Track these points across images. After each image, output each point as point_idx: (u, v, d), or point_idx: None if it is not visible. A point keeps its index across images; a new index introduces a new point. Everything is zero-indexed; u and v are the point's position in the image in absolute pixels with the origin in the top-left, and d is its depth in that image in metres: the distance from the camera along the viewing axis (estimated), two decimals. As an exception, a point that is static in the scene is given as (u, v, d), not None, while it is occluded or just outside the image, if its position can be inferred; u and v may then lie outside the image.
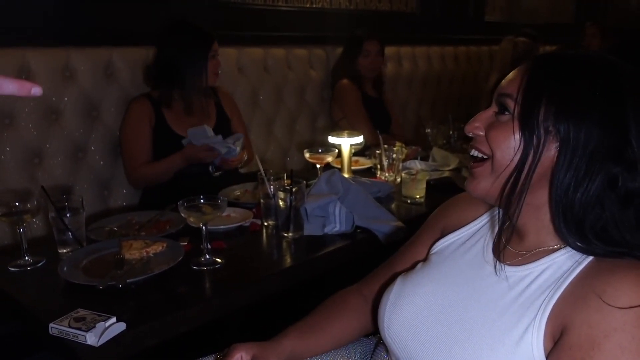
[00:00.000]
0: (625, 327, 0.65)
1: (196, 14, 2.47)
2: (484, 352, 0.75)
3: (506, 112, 0.78)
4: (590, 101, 0.72)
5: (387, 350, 0.97)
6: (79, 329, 1.02)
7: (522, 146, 0.75)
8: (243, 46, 2.68)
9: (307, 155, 2.06)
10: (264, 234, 1.59)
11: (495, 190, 0.79)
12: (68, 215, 1.37)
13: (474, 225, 0.94)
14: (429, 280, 0.90)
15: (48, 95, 2.03)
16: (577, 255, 0.75)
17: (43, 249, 1.41)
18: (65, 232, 1.37)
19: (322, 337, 1.01)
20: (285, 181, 1.58)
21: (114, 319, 1.05)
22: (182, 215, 1.34)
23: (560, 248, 0.77)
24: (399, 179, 2.02)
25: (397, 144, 2.19)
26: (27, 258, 1.34)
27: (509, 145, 0.76)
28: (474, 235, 0.92)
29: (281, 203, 1.51)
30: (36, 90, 0.50)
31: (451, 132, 2.74)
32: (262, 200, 1.61)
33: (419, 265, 0.97)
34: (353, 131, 2.19)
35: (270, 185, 1.57)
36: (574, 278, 0.73)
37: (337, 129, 2.52)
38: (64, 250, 1.38)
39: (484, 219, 0.93)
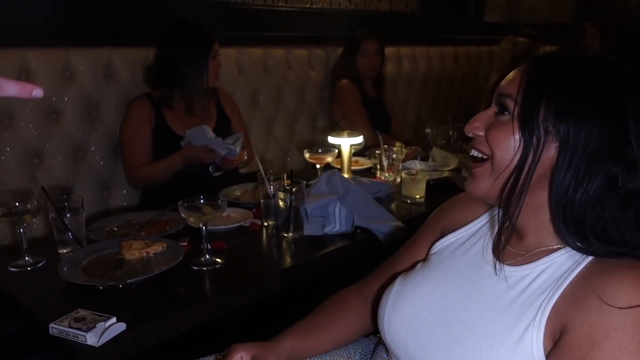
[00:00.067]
0: (625, 327, 0.65)
1: (196, 14, 2.47)
2: (484, 352, 0.75)
3: (506, 113, 0.78)
4: (590, 101, 0.72)
5: (387, 350, 0.97)
6: (79, 329, 1.02)
7: (522, 146, 0.75)
8: (243, 46, 2.68)
9: (307, 155, 2.06)
10: (264, 234, 1.59)
11: (495, 191, 0.79)
12: (68, 215, 1.37)
13: (474, 225, 0.94)
14: (428, 280, 0.90)
15: (48, 96, 2.03)
16: (577, 255, 0.75)
17: (43, 249, 1.41)
18: (65, 232, 1.37)
19: (322, 337, 1.01)
20: (285, 181, 1.58)
21: (114, 319, 1.05)
22: (182, 215, 1.34)
23: (560, 248, 0.77)
24: (398, 179, 2.02)
25: (397, 144, 2.19)
26: (27, 258, 1.34)
27: (509, 146, 0.76)
28: (473, 235, 0.92)
29: (281, 203, 1.51)
30: (37, 92, 0.50)
31: (451, 132, 2.73)
32: (262, 201, 1.61)
33: (419, 265, 0.97)
34: (353, 131, 2.18)
35: (270, 185, 1.57)
36: (574, 278, 0.73)
37: (337, 129, 2.52)
38: (64, 251, 1.38)
39: (483, 219, 0.93)
